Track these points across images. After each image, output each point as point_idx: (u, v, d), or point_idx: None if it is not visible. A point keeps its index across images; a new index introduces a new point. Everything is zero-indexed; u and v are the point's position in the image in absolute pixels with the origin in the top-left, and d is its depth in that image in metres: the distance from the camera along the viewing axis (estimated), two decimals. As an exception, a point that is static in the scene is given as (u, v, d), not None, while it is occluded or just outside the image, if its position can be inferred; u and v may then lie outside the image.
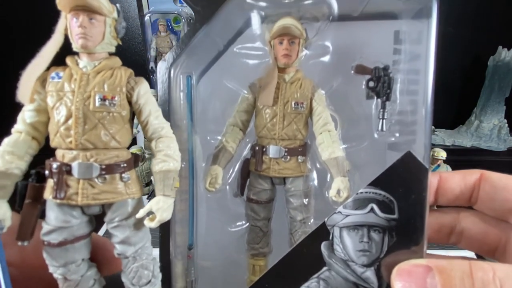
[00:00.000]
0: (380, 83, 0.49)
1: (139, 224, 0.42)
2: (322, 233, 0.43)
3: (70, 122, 0.39)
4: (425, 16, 0.44)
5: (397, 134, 0.50)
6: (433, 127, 1.56)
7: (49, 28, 0.41)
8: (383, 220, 0.42)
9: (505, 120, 1.54)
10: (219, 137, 0.56)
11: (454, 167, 1.20)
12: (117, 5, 0.42)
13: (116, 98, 0.41)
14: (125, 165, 0.42)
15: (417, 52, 0.50)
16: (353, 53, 0.53)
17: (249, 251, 0.59)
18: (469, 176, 0.43)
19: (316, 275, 0.43)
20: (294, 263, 0.44)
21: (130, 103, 0.43)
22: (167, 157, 0.43)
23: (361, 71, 0.51)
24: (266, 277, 0.45)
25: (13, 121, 0.42)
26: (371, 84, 0.49)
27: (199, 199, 0.56)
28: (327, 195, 0.52)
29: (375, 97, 0.50)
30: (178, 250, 0.54)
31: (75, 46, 0.41)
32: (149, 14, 1.26)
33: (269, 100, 0.52)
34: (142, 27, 1.29)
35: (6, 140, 0.40)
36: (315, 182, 0.57)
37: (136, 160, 0.44)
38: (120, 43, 0.43)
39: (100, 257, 0.45)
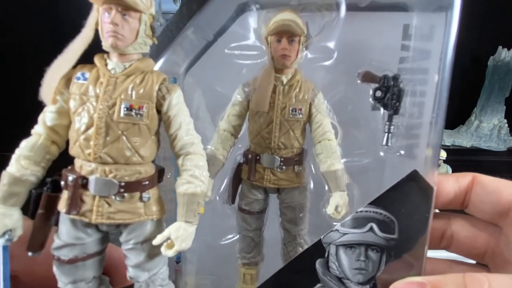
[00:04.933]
0: (389, 94, 0.45)
1: (155, 249, 0.38)
2: (318, 250, 0.42)
3: (90, 131, 0.36)
4: (443, 9, 0.40)
5: (402, 152, 0.47)
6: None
7: (79, 22, 0.37)
8: (382, 240, 0.41)
9: (505, 120, 1.54)
10: (208, 146, 0.52)
11: (454, 167, 1.20)
12: None
13: (144, 108, 0.37)
14: (147, 182, 0.38)
15: (427, 49, 0.46)
16: (359, 53, 0.49)
17: (240, 260, 0.56)
18: (462, 179, 0.43)
19: (309, 292, 0.42)
20: (288, 279, 0.43)
21: (159, 112, 0.38)
22: (194, 179, 0.38)
23: (368, 79, 0.46)
24: None
25: (34, 121, 0.38)
26: (379, 94, 0.45)
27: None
28: (324, 210, 0.49)
29: (382, 109, 0.46)
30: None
31: (105, 45, 0.36)
32: None
33: (264, 105, 0.48)
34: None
35: (24, 143, 0.37)
36: (312, 187, 0.54)
37: (160, 175, 0.40)
38: (156, 42, 0.39)
39: (114, 270, 0.43)
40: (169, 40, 0.48)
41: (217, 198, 0.55)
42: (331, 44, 0.49)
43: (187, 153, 0.39)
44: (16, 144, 0.37)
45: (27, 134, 0.38)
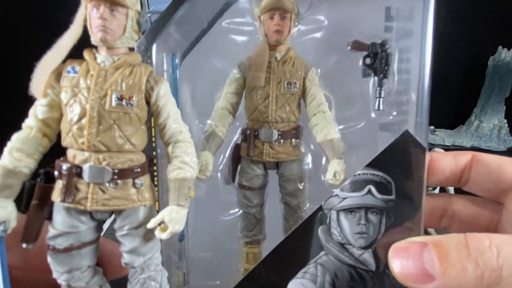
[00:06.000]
0: (378, 60, 0.48)
1: (149, 234, 0.41)
2: (319, 217, 0.43)
3: (83, 121, 0.38)
4: None
5: (395, 113, 0.50)
6: (432, 127, 1.58)
7: (67, 18, 0.40)
8: (381, 201, 0.43)
9: (505, 120, 1.55)
10: (208, 121, 0.55)
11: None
12: None
13: (134, 98, 0.39)
14: (139, 170, 0.40)
15: (409, 29, 0.49)
16: (346, 29, 0.53)
17: (242, 239, 0.58)
18: (460, 157, 0.44)
19: (313, 260, 0.43)
20: (291, 249, 0.44)
21: (148, 103, 0.41)
22: (184, 164, 0.41)
23: (357, 47, 0.50)
24: (263, 265, 0.44)
25: (25, 115, 0.40)
26: (368, 61, 0.49)
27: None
28: (323, 179, 0.52)
29: (372, 75, 0.49)
30: (168, 242, 0.53)
31: (94, 39, 0.39)
32: (149, 14, 1.29)
33: (260, 81, 0.51)
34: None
35: (15, 136, 0.39)
36: (310, 165, 0.56)
37: (150, 164, 0.43)
38: (141, 37, 0.42)
39: (107, 262, 0.44)
40: (165, 24, 0.50)
41: (218, 175, 0.57)
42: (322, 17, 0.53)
43: (176, 141, 0.42)
44: (7, 137, 0.39)
45: (18, 128, 0.40)
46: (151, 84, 0.41)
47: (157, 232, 0.39)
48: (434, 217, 0.46)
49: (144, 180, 0.41)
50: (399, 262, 0.35)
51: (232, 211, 0.59)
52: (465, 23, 1.42)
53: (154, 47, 0.49)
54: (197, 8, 0.51)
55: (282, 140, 0.53)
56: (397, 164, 0.42)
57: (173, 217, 0.39)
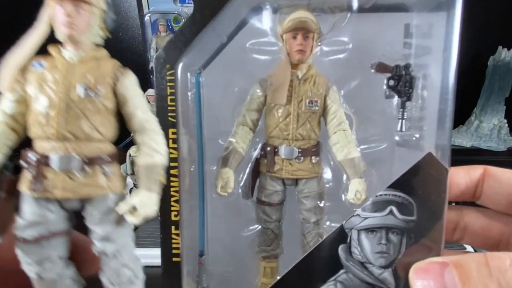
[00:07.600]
0: (401, 82, 0.49)
1: (120, 221, 0.42)
2: (340, 236, 0.45)
3: (51, 113, 0.40)
4: (444, 9, 0.45)
5: (417, 135, 0.51)
6: (433, 127, 1.60)
7: (32, 15, 0.41)
8: (402, 222, 0.44)
9: (505, 120, 1.57)
10: (231, 139, 0.56)
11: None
12: None
13: (100, 89, 0.41)
14: (107, 158, 0.42)
15: (428, 46, 0.51)
16: (367, 49, 0.54)
17: (260, 254, 0.60)
18: (473, 171, 0.45)
19: (333, 278, 0.45)
20: (311, 267, 0.45)
21: (115, 95, 0.43)
22: (152, 151, 0.43)
23: (381, 69, 0.51)
24: (282, 282, 0.46)
25: None
26: (392, 83, 0.50)
27: (209, 204, 0.56)
28: (343, 198, 0.53)
29: (396, 96, 0.51)
30: (186, 254, 0.54)
31: (60, 35, 0.41)
32: (149, 14, 1.29)
33: (282, 99, 0.52)
34: (142, 27, 1.32)
35: None
36: (330, 181, 0.58)
37: (121, 156, 0.45)
38: (109, 35, 0.44)
39: (79, 257, 0.45)
40: (183, 45, 0.51)
41: (240, 191, 0.58)
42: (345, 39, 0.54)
43: (144, 129, 0.44)
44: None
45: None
46: (117, 75, 0.43)
47: (128, 218, 0.41)
48: (447, 230, 0.47)
49: (114, 169, 0.43)
50: (420, 282, 0.36)
51: (251, 227, 0.61)
52: (465, 23, 1.44)
53: (180, 66, 0.50)
54: (216, 23, 0.52)
55: (302, 158, 0.55)
56: (419, 186, 0.43)
57: (144, 202, 0.41)
